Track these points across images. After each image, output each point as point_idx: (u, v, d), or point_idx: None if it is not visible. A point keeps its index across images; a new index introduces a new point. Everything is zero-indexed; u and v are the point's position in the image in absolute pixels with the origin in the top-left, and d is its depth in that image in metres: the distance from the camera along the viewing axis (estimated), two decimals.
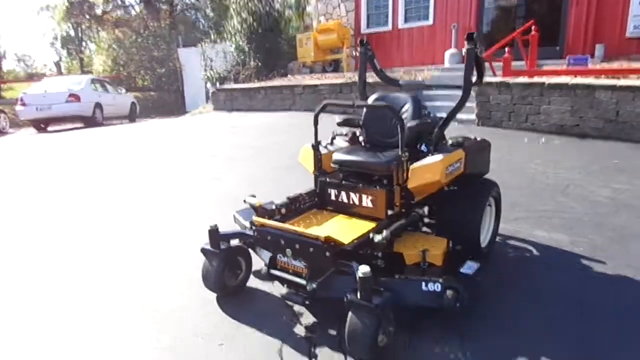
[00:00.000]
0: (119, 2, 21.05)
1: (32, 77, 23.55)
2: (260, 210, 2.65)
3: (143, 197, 4.72)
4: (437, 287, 2.19)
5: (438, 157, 2.56)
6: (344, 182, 2.78)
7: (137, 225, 3.88)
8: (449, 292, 2.15)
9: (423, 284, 2.21)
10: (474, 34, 2.91)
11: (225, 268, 2.52)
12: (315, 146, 2.89)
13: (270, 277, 2.43)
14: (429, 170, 2.53)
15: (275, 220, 2.60)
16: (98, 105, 12.57)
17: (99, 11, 21.29)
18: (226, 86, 12.01)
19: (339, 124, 3.14)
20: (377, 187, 2.63)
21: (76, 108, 11.79)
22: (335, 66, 12.41)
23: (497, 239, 3.20)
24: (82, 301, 2.66)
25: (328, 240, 2.17)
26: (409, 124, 2.72)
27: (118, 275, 2.97)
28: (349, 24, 12.34)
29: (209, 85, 13.95)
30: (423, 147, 2.84)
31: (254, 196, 2.65)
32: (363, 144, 3.12)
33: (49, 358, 2.19)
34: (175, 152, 7.25)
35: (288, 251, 2.30)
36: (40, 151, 8.28)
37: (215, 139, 8.14)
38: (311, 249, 2.22)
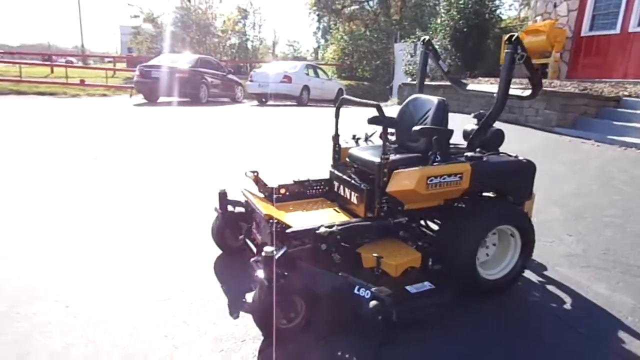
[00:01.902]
0: None
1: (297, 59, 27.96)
2: (261, 186, 2.95)
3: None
4: (367, 294, 2.15)
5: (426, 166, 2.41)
6: (343, 175, 2.84)
7: None
8: (372, 303, 2.10)
9: (357, 287, 2.20)
10: (515, 35, 2.56)
11: (225, 228, 2.93)
12: (335, 138, 3.01)
13: (244, 244, 2.74)
14: (406, 177, 2.40)
15: (274, 198, 2.88)
16: (306, 88, 14.33)
17: (339, 5, 23.68)
18: (410, 81, 12.12)
19: (369, 122, 3.14)
20: (362, 186, 2.62)
21: (287, 88, 13.74)
22: (543, 71, 11.09)
23: (536, 280, 2.73)
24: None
25: (268, 218, 2.36)
26: (414, 128, 2.59)
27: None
28: (567, 25, 10.81)
29: (408, 79, 14.28)
30: (437, 156, 2.66)
31: (255, 171, 2.94)
32: (395, 144, 3.06)
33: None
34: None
35: (254, 223, 2.57)
36: (246, 117, 10.16)
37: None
38: (262, 225, 2.45)
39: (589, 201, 4.30)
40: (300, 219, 2.63)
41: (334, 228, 2.34)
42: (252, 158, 5.85)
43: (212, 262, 2.88)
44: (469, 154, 2.60)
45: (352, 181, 2.72)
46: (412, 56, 13.46)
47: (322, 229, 2.34)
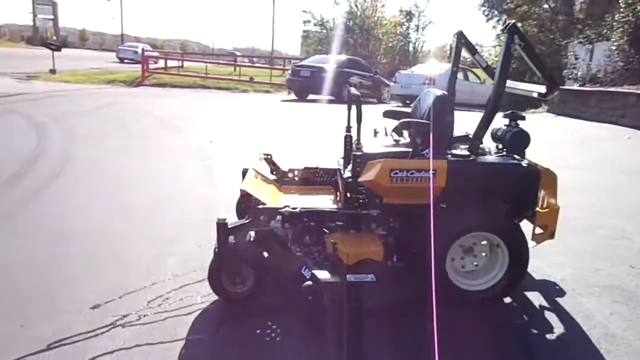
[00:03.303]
0: None
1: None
2: (273, 168, 3.17)
3: None
4: (308, 274, 2.27)
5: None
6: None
7: None
8: (306, 283, 2.21)
9: (304, 267, 2.33)
10: (512, 23, 2.31)
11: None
12: (347, 129, 3.07)
13: None
14: (371, 168, 2.39)
15: (284, 181, 3.11)
16: None
17: (511, 5, 21.93)
18: (577, 87, 10.69)
19: (384, 115, 3.10)
20: (344, 176, 2.66)
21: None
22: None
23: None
24: None
25: (243, 192, 2.59)
26: (400, 120, 2.53)
27: None
28: None
29: (575, 85, 12.63)
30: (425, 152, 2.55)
31: (268, 154, 3.16)
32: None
33: None
34: None
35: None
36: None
37: None
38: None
39: None
40: (288, 200, 2.80)
41: (297, 209, 2.47)
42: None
43: None
44: (456, 151, 2.43)
45: (341, 170, 2.78)
46: (576, 58, 11.85)
47: (286, 209, 2.49)
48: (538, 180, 2.39)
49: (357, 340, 2.14)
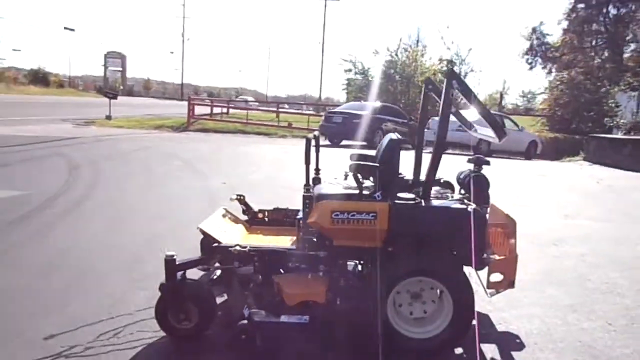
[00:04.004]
0: (578, 45, 20.52)
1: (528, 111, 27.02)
2: (245, 209, 3.25)
3: None
4: (246, 313, 2.32)
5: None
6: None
7: None
8: (241, 322, 2.27)
9: (245, 306, 2.38)
10: (450, 69, 2.35)
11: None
12: (316, 172, 3.14)
13: None
14: (315, 209, 2.42)
15: (255, 221, 3.18)
16: None
17: (556, 53, 21.59)
18: (602, 135, 10.23)
19: (350, 159, 3.13)
20: (298, 217, 2.70)
21: (461, 136, 13.26)
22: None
23: None
24: None
25: (200, 230, 2.69)
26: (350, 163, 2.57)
27: None
28: None
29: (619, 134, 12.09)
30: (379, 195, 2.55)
31: (241, 195, 3.25)
32: None
33: None
34: None
35: None
36: None
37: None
38: None
39: None
40: (250, 240, 2.86)
41: (246, 248, 2.53)
42: None
43: None
44: (403, 195, 2.42)
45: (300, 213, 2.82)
46: (617, 106, 11.38)
47: (235, 248, 2.55)
48: (485, 226, 2.33)
49: None
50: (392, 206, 2.32)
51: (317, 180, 3.12)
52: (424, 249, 2.30)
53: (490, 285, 2.45)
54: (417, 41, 23.78)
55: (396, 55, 23.10)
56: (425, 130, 12.17)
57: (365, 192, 2.55)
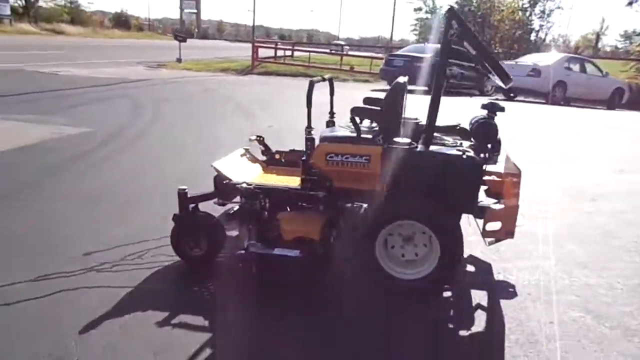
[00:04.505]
0: None
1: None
2: (264, 150, 3.39)
3: None
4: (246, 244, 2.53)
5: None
6: None
7: None
8: (239, 252, 2.49)
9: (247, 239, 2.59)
10: (449, 7, 2.25)
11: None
12: (331, 115, 3.18)
13: None
14: (314, 150, 2.51)
15: (272, 162, 3.33)
16: (560, 84, 12.51)
17: None
18: None
19: (364, 102, 3.12)
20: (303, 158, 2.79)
21: (532, 83, 12.35)
22: None
23: None
24: None
25: (215, 169, 2.87)
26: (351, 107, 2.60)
27: None
28: None
29: None
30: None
31: (260, 136, 3.36)
32: None
33: None
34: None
35: None
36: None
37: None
38: None
39: None
40: (264, 179, 3.02)
41: (252, 186, 2.70)
42: None
43: None
44: (400, 139, 2.42)
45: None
46: None
47: (242, 185, 2.73)
48: (478, 174, 2.29)
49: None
50: (385, 150, 2.35)
51: (330, 124, 3.17)
52: (410, 193, 2.32)
53: (486, 233, 2.44)
54: None
55: None
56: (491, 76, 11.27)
57: (368, 136, 2.59)
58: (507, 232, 2.43)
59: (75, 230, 3.16)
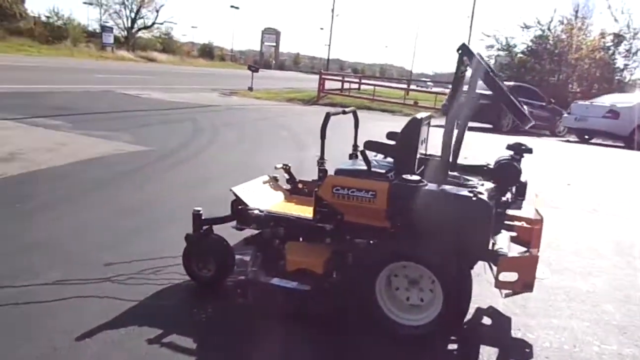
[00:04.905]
0: None
1: None
2: (289, 178, 3.38)
3: None
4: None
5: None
6: None
7: None
8: (240, 277, 2.49)
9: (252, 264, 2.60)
10: (462, 44, 2.17)
11: None
12: (354, 148, 3.13)
13: None
14: (323, 182, 2.46)
15: (295, 191, 3.32)
16: None
17: None
18: None
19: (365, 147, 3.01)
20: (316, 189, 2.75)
21: (609, 125, 11.47)
22: None
23: None
24: None
25: (234, 193, 2.91)
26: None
27: None
28: None
29: None
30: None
31: (286, 165, 3.36)
32: None
33: None
34: None
35: None
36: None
37: None
38: None
39: None
40: (281, 208, 3.01)
41: (262, 214, 2.70)
42: None
43: None
44: (409, 176, 2.32)
45: None
46: None
47: (254, 212, 2.74)
48: (488, 217, 2.12)
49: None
50: (391, 186, 2.26)
51: (353, 156, 3.13)
52: (414, 234, 2.20)
53: (500, 284, 2.24)
54: (576, 12, 20.74)
55: (548, 29, 20.62)
56: (566, 115, 11.25)
57: (382, 170, 2.52)
58: (525, 284, 2.21)
59: (103, 240, 3.32)
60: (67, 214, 3.84)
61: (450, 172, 2.55)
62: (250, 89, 19.85)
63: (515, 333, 2.42)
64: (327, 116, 2.60)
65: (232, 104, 14.37)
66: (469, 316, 2.53)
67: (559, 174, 7.14)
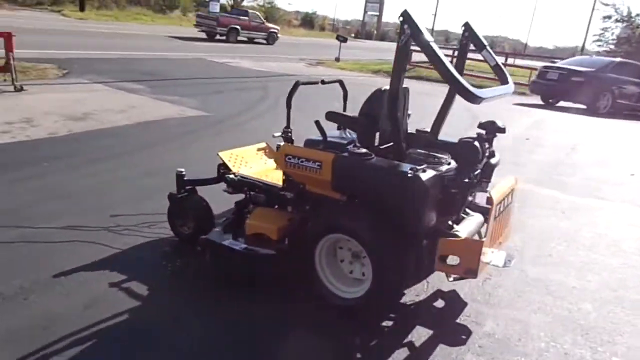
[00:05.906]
0: None
1: None
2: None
3: None
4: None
5: None
6: None
7: None
8: (202, 236, 2.66)
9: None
10: (403, 10, 2.06)
11: None
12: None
13: None
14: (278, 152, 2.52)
15: None
16: None
17: None
18: None
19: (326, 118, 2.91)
20: None
21: None
22: None
23: None
24: None
25: (220, 156, 3.07)
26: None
27: None
28: None
29: None
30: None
31: (287, 130, 3.38)
32: None
33: None
34: None
35: None
36: None
37: None
38: None
39: None
40: (266, 174, 3.11)
41: (237, 178, 2.84)
42: None
43: None
44: (357, 149, 2.28)
45: None
46: None
47: (229, 176, 2.88)
48: (422, 195, 2.02)
49: None
50: (336, 158, 2.24)
51: (340, 128, 3.11)
52: (350, 207, 2.17)
53: (439, 266, 2.15)
54: None
55: None
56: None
57: (342, 141, 2.51)
58: (468, 270, 2.10)
59: (120, 195, 3.71)
60: (106, 169, 4.29)
61: (425, 149, 2.44)
62: (337, 59, 19.76)
63: (463, 320, 2.32)
64: (295, 85, 2.63)
65: (312, 74, 14.51)
66: (421, 297, 2.48)
67: (633, 163, 6.30)
